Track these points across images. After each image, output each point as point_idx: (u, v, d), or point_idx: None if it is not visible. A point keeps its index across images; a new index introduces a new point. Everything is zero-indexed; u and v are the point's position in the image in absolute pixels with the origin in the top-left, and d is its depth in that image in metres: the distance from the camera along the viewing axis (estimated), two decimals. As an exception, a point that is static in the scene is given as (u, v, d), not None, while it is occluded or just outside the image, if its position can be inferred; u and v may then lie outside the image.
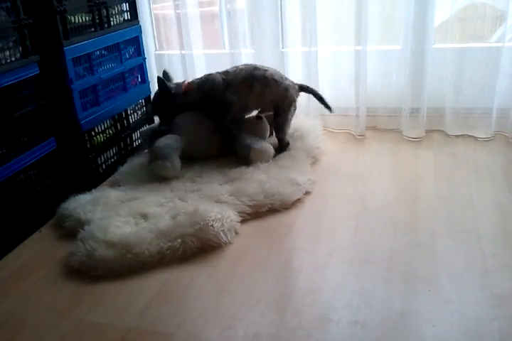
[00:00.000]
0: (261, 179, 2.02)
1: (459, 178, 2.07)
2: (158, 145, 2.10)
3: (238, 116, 2.29)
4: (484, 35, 2.42)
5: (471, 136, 2.46)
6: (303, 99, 2.61)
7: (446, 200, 1.90)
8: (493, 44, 2.40)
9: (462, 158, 2.26)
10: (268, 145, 2.21)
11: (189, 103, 2.26)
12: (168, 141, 2.12)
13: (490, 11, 2.38)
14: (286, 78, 2.29)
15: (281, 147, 2.29)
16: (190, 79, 2.34)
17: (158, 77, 2.25)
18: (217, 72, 2.28)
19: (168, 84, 2.25)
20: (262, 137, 2.30)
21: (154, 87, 2.73)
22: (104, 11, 2.19)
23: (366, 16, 2.38)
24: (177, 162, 2.09)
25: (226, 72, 2.27)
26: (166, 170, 2.06)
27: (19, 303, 1.50)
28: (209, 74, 2.28)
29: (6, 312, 1.47)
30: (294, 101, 2.30)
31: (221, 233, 1.71)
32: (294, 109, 2.30)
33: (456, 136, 2.48)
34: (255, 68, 2.24)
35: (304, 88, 2.36)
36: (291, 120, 2.31)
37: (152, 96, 2.36)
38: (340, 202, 1.96)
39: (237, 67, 2.28)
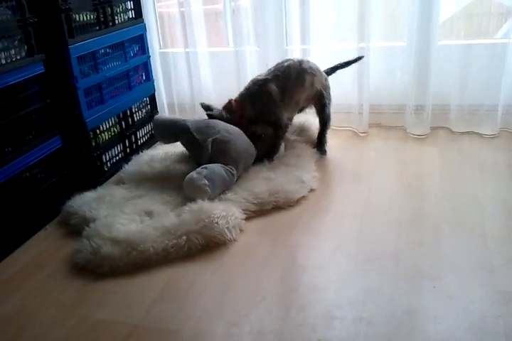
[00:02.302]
0: (265, 177, 2.02)
1: (464, 175, 2.06)
2: (213, 169, 1.92)
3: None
4: (490, 31, 2.40)
5: (477, 133, 2.45)
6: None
7: (451, 197, 1.90)
8: (499, 40, 2.39)
9: (467, 155, 2.25)
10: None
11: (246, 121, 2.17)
12: (223, 173, 1.93)
13: (495, 7, 2.37)
14: (318, 66, 2.34)
15: (324, 144, 2.37)
16: (233, 97, 2.20)
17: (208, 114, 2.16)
18: (267, 79, 2.16)
19: (214, 115, 2.15)
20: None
21: (159, 86, 2.76)
22: (109, 9, 2.20)
23: (370, 13, 2.38)
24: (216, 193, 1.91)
25: (276, 76, 2.17)
26: (202, 193, 1.85)
27: (26, 300, 1.51)
28: (262, 85, 2.14)
29: (13, 308, 1.48)
30: (330, 88, 2.37)
31: (226, 230, 1.71)
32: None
33: (462, 133, 2.48)
34: (300, 61, 2.24)
35: (329, 72, 2.40)
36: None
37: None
38: (345, 199, 1.96)
39: (282, 65, 2.21)
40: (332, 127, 2.62)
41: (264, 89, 2.14)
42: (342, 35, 2.54)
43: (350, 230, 1.74)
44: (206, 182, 1.85)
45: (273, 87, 2.15)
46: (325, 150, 2.35)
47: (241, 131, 2.12)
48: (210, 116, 2.16)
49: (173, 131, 2.16)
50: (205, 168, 1.92)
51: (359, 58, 2.41)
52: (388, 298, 1.40)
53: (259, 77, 2.20)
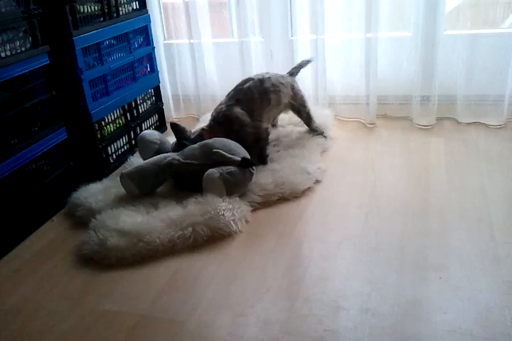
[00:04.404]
0: (271, 168, 2.02)
1: (470, 166, 2.05)
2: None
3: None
4: (496, 21, 2.38)
5: (483, 124, 2.44)
6: (310, 89, 2.60)
7: (457, 188, 1.89)
8: (506, 30, 2.37)
9: (473, 145, 2.24)
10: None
11: None
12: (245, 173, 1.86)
13: (502, -4, 2.35)
14: (281, 76, 2.27)
15: (321, 133, 2.36)
16: (203, 124, 2.12)
17: (179, 140, 2.03)
18: (229, 105, 2.08)
19: (187, 144, 2.01)
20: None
21: (163, 77, 2.75)
22: (113, 0, 2.19)
23: (377, 3, 2.36)
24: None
25: (238, 100, 2.09)
26: (219, 189, 1.81)
27: (33, 291, 1.52)
28: (227, 111, 2.07)
29: (20, 299, 1.49)
30: (301, 91, 2.33)
31: (232, 222, 1.71)
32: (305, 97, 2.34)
33: (468, 123, 2.46)
34: (261, 81, 2.15)
35: (293, 73, 2.36)
36: (310, 107, 2.36)
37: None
38: (351, 190, 1.96)
39: (242, 87, 2.14)
40: (340, 118, 2.64)
41: (230, 116, 2.06)
42: (349, 26, 2.52)
43: (355, 221, 1.74)
44: (227, 181, 1.80)
45: (238, 111, 2.06)
46: (323, 133, 2.36)
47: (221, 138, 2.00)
48: (182, 145, 2.01)
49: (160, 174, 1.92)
50: (231, 168, 1.83)
51: (308, 62, 2.41)
52: (394, 288, 1.40)
53: (221, 106, 2.11)
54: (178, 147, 2.03)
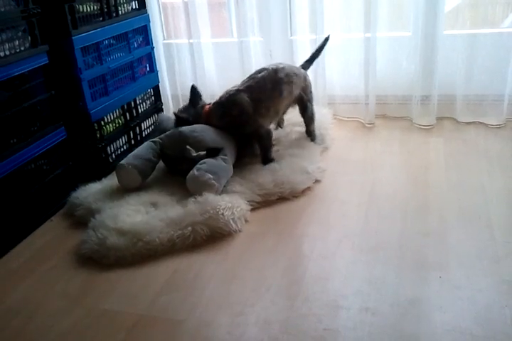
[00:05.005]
0: (270, 168, 2.02)
1: (470, 165, 2.05)
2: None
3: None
4: (496, 20, 2.38)
5: (482, 123, 2.44)
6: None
7: (457, 187, 1.89)
8: (505, 29, 2.37)
9: (473, 145, 2.24)
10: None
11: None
12: (222, 163, 1.90)
13: (501, -4, 2.35)
14: (296, 66, 2.27)
15: (314, 138, 2.31)
16: (211, 101, 2.14)
17: (175, 114, 2.09)
18: (239, 89, 2.06)
19: (183, 116, 2.08)
20: None
21: (163, 77, 2.75)
22: (112, -1, 2.19)
23: (376, 2, 2.36)
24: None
25: (248, 88, 2.05)
26: (209, 187, 1.83)
27: (32, 291, 1.52)
28: (233, 95, 2.04)
29: (19, 299, 1.49)
30: (311, 85, 2.31)
31: (231, 221, 1.71)
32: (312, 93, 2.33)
33: (467, 123, 2.46)
34: (275, 70, 2.11)
35: (305, 66, 2.33)
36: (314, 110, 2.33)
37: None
38: (350, 189, 1.95)
39: (255, 76, 2.10)
40: (340, 118, 2.63)
41: (234, 101, 2.03)
42: (348, 25, 2.52)
43: (355, 220, 1.74)
44: (210, 176, 1.82)
45: (244, 98, 2.02)
46: (315, 136, 2.32)
47: (207, 126, 2.05)
48: (178, 118, 2.08)
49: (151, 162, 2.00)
50: (203, 162, 1.87)
51: (327, 39, 2.34)
52: (394, 287, 1.40)
53: (232, 88, 2.08)
54: (176, 123, 2.11)
